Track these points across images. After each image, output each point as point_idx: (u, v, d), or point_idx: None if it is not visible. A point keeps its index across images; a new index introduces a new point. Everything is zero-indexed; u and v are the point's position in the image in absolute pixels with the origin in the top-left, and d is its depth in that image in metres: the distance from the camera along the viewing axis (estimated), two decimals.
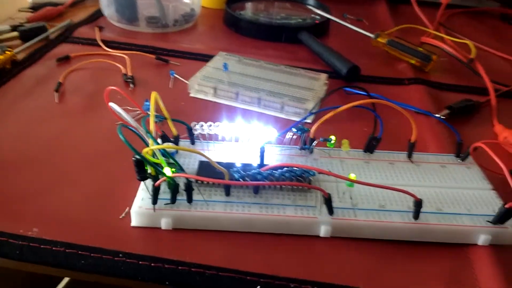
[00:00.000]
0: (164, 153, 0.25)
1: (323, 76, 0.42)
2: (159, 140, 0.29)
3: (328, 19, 0.56)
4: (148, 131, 0.25)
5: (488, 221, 0.25)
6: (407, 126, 0.29)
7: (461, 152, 0.31)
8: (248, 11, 0.59)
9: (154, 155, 0.25)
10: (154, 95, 0.26)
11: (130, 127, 0.24)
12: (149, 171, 0.24)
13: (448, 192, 0.27)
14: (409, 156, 0.30)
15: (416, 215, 0.25)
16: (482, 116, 0.40)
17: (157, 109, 0.28)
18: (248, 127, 0.30)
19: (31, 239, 0.24)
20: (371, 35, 0.51)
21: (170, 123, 0.29)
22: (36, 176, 0.28)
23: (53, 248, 0.23)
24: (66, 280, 0.48)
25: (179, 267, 0.23)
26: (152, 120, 0.25)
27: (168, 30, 0.52)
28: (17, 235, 0.24)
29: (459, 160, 0.31)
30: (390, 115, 0.31)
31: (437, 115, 0.37)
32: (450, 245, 0.26)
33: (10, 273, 0.43)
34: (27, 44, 0.44)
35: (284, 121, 0.37)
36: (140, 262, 0.23)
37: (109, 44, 0.46)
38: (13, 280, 0.45)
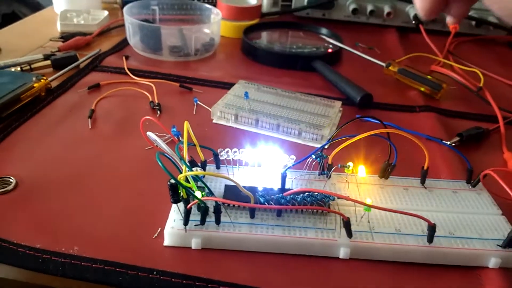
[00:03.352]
0: (195, 177, 0.27)
1: (338, 104, 0.45)
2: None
3: (341, 48, 0.59)
4: (181, 158, 0.27)
5: (498, 245, 0.27)
6: (419, 152, 0.31)
7: (471, 178, 0.33)
8: (264, 40, 0.62)
9: (186, 179, 0.27)
10: (186, 125, 0.29)
11: (166, 154, 0.26)
12: (181, 194, 0.27)
13: (460, 217, 0.29)
14: (422, 182, 0.32)
15: (430, 239, 0.26)
16: (491, 143, 0.42)
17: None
18: (270, 153, 0.32)
19: (73, 257, 0.26)
20: (383, 64, 0.54)
21: (198, 149, 0.31)
22: (73, 197, 0.31)
23: (93, 265, 0.25)
24: None
25: (209, 285, 0.25)
26: (185, 149, 0.28)
27: (189, 58, 0.55)
28: (60, 253, 0.26)
29: (469, 186, 0.32)
30: (402, 142, 0.33)
31: (447, 143, 0.39)
32: (461, 267, 0.27)
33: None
34: (61, 72, 0.47)
35: (302, 147, 0.39)
36: (173, 280, 0.25)
37: (135, 72, 0.49)
38: None
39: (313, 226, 0.27)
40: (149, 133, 0.27)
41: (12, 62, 0.49)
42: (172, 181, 0.25)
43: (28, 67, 0.49)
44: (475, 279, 0.27)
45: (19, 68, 0.48)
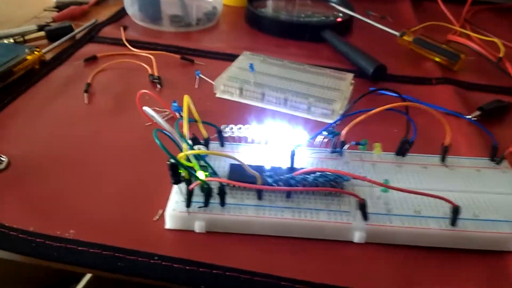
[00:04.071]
0: (198, 156, 0.25)
1: (349, 76, 0.42)
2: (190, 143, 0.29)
3: (351, 16, 0.55)
4: (182, 136, 0.25)
5: None
6: (438, 127, 0.29)
7: (495, 155, 0.30)
8: (269, 8, 0.59)
9: (187, 158, 0.25)
10: (186, 99, 0.26)
11: (165, 131, 0.24)
12: (182, 174, 0.24)
13: (485, 198, 0.27)
14: (443, 159, 0.30)
15: (454, 221, 0.24)
16: None
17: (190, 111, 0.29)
18: (277, 130, 0.29)
19: (68, 241, 0.24)
20: (397, 33, 0.50)
21: (200, 125, 0.29)
22: (69, 177, 0.29)
23: (90, 250, 0.24)
24: (88, 276, 0.48)
25: (214, 271, 0.23)
26: (185, 125, 0.25)
27: (191, 29, 0.52)
28: (54, 237, 0.24)
29: (494, 164, 0.30)
30: (419, 117, 0.31)
31: (468, 117, 0.37)
32: (486, 252, 0.25)
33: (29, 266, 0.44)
34: (55, 44, 0.45)
35: (311, 122, 0.37)
36: (175, 265, 0.23)
37: (134, 43, 0.46)
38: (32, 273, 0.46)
39: (325, 208, 0.25)
40: (145, 108, 0.25)
41: (5, 33, 0.46)
42: (172, 160, 0.23)
43: (21, 39, 0.46)
44: (502, 265, 0.25)
45: (12, 40, 0.46)
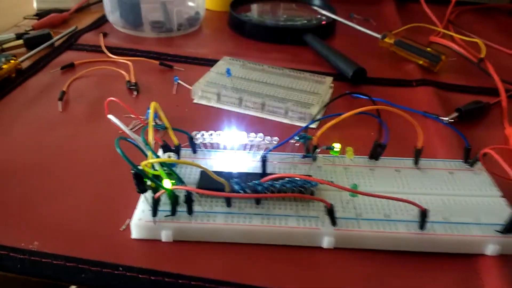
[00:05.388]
0: (164, 164, 0.25)
1: (329, 80, 0.42)
2: (160, 150, 0.29)
3: (334, 19, 0.55)
4: (147, 143, 0.24)
5: (497, 231, 0.25)
6: (415, 130, 0.28)
7: (469, 157, 0.30)
8: (254, 13, 0.59)
9: (153, 166, 0.24)
10: (153, 105, 0.26)
11: (129, 139, 0.24)
12: (148, 183, 0.24)
13: (456, 200, 0.27)
14: (416, 162, 0.30)
15: (422, 225, 0.24)
16: (492, 118, 0.39)
17: (160, 118, 0.28)
18: (249, 135, 0.29)
19: (32, 253, 0.24)
20: (378, 36, 0.50)
21: (171, 132, 0.29)
22: (37, 186, 0.28)
23: (53, 262, 0.23)
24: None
25: (179, 281, 0.23)
26: (150, 131, 0.25)
27: (172, 34, 0.52)
28: (18, 249, 0.24)
29: (467, 166, 0.30)
30: (397, 119, 0.30)
31: (444, 119, 0.37)
32: (457, 255, 0.25)
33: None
34: (32, 52, 0.45)
35: (289, 127, 0.36)
36: (140, 276, 0.23)
37: (114, 50, 0.46)
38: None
39: (294, 214, 0.25)
40: (110, 116, 0.25)
41: None
42: (135, 169, 0.23)
43: None
44: (471, 268, 0.24)
45: None
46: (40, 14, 0.54)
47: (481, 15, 0.65)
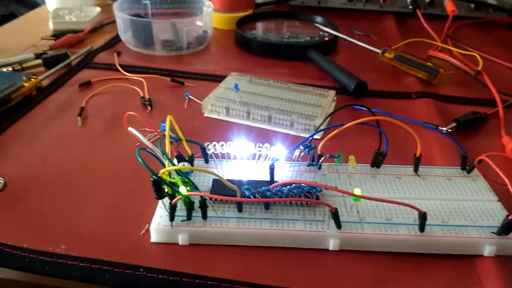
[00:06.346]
0: (180, 172, 0.27)
1: (331, 93, 0.44)
2: (175, 160, 0.31)
3: (336, 36, 0.57)
4: (164, 153, 0.26)
5: (493, 233, 0.26)
6: (414, 140, 0.30)
7: (466, 165, 0.32)
8: (259, 31, 0.61)
9: (170, 175, 0.26)
10: (169, 118, 0.28)
11: (148, 150, 0.26)
12: (166, 190, 0.26)
13: (454, 205, 0.28)
14: (416, 170, 0.31)
15: (422, 227, 0.26)
16: (490, 128, 0.41)
17: (174, 130, 0.30)
18: (258, 146, 0.31)
19: (59, 256, 0.26)
20: (378, 51, 0.52)
21: (185, 144, 0.31)
22: (62, 196, 0.31)
23: (80, 264, 0.25)
24: None
25: (196, 281, 0.25)
26: (167, 143, 0.27)
27: (182, 52, 0.55)
28: (46, 252, 0.26)
29: (464, 173, 0.31)
30: (397, 130, 0.32)
31: (444, 129, 0.38)
32: (456, 256, 0.26)
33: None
34: (51, 71, 0.47)
35: (294, 138, 0.38)
36: (160, 276, 0.25)
37: (127, 68, 0.49)
38: None
39: (301, 218, 0.27)
40: (130, 128, 0.27)
41: (3, 62, 0.48)
42: (155, 177, 0.25)
43: (19, 67, 0.49)
44: (469, 268, 0.26)
45: (10, 68, 0.48)
46: (56, 35, 0.56)
47: (478, 29, 0.67)
